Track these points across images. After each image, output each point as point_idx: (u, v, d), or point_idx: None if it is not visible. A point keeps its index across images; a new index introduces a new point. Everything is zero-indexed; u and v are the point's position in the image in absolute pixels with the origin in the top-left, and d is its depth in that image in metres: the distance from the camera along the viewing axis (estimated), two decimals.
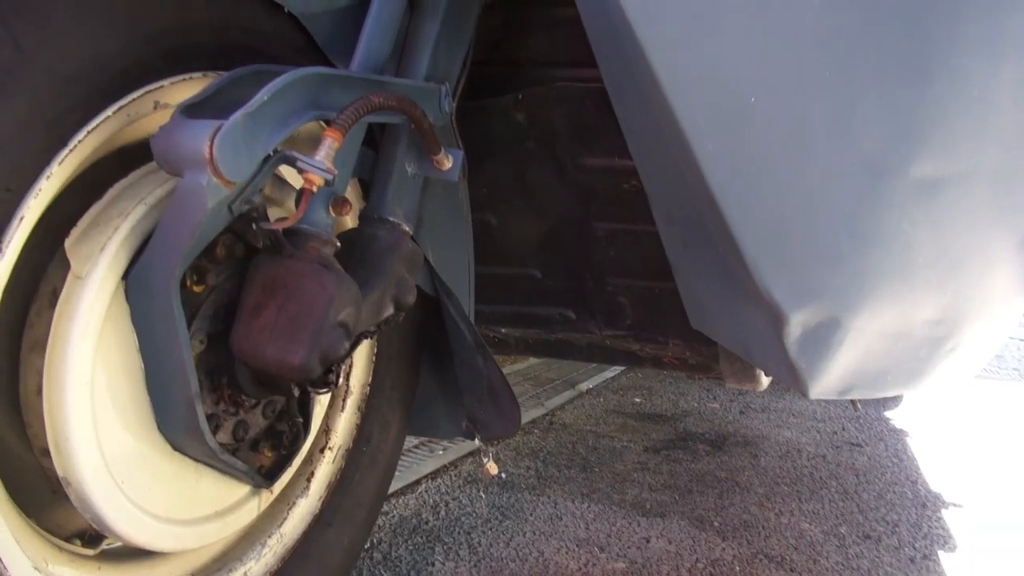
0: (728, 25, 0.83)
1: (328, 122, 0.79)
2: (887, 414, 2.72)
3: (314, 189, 0.76)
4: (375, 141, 0.98)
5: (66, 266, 0.73)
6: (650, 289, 1.33)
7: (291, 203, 0.91)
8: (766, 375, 1.33)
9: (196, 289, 0.79)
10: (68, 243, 0.73)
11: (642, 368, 2.49)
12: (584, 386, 2.81)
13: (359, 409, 1.12)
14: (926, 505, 1.86)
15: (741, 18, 0.83)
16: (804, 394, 0.99)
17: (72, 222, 0.74)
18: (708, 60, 0.84)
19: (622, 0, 0.84)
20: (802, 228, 0.88)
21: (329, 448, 1.08)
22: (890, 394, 1.12)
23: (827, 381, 0.99)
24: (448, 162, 0.98)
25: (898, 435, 2.47)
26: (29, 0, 0.63)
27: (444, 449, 1.96)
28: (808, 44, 0.82)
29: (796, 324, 0.93)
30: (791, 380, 1.00)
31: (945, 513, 1.82)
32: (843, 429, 2.50)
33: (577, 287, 1.39)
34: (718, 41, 0.84)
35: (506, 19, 1.19)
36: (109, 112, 0.71)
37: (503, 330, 1.55)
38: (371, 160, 0.98)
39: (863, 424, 2.57)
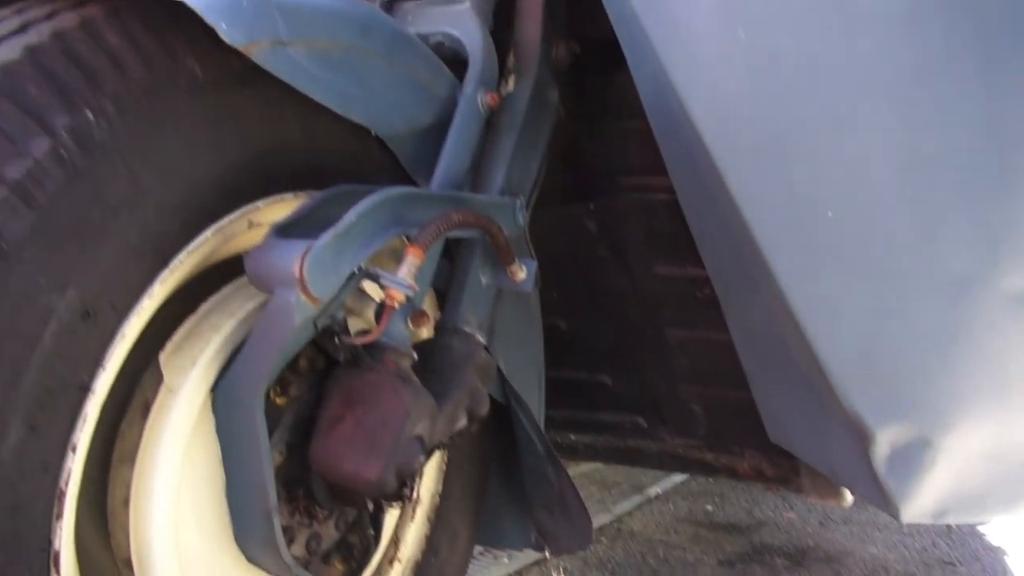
0: (805, 141, 0.84)
1: (409, 238, 0.82)
2: (982, 529, 2.53)
3: (396, 305, 0.78)
4: (450, 252, 1.01)
5: (159, 378, 0.76)
6: (724, 398, 1.30)
7: (370, 314, 0.93)
8: (852, 495, 1.27)
9: (279, 401, 0.81)
10: (163, 356, 0.76)
11: (716, 477, 2.40)
12: (653, 491, 2.71)
13: (429, 519, 1.10)
14: None
15: (819, 134, 0.83)
16: (895, 517, 0.94)
17: (167, 335, 0.77)
18: (784, 175, 0.85)
19: (695, 117, 0.86)
20: (888, 344, 0.85)
21: (398, 560, 1.07)
22: (990, 519, 1.05)
23: (920, 504, 0.93)
24: (522, 273, 1.00)
25: (995, 553, 2.29)
26: (145, 136, 0.68)
27: (509, 557, 1.90)
28: (889, 157, 0.82)
29: (884, 443, 0.89)
30: (880, 502, 0.95)
31: None
32: (934, 545, 2.33)
33: (648, 394, 1.37)
34: (794, 157, 0.84)
35: (578, 131, 1.23)
36: (208, 233, 0.75)
37: (572, 436, 1.53)
38: (446, 271, 1.00)
39: (955, 540, 2.39)
